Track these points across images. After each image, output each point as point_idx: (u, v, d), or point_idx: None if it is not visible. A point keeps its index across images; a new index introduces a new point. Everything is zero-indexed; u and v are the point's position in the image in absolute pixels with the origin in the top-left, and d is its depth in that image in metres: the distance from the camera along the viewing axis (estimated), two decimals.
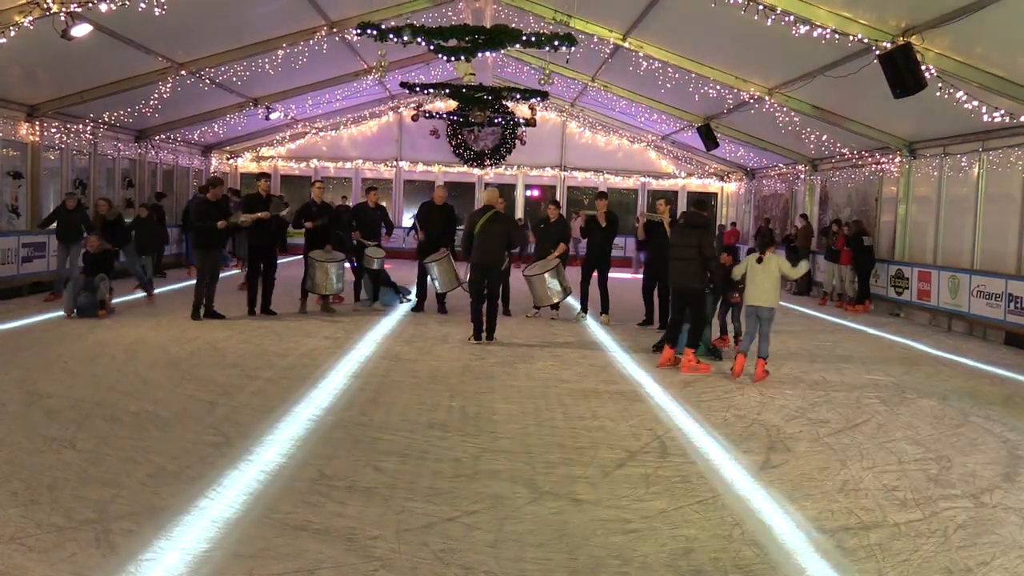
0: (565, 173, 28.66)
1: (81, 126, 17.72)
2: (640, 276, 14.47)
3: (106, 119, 18.29)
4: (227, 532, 4.63)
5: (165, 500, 5.05)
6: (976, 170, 15.16)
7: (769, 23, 12.17)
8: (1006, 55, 11.51)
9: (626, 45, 16.79)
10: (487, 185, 26.11)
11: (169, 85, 17.03)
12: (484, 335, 11.30)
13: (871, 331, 14.32)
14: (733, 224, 28.06)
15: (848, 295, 18.19)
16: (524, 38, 13.38)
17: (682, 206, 28.87)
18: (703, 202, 11.37)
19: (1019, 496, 5.75)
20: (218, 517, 4.83)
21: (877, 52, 11.87)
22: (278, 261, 13.06)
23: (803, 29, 12.17)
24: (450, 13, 17.55)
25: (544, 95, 20.17)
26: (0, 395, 7.44)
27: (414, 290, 14.68)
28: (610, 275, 13.98)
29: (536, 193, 29.51)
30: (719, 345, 11.09)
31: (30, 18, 11.55)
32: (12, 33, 11.58)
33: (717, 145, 21.79)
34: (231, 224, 12.34)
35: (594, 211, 13.76)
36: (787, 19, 12.08)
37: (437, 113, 24.95)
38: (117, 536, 4.50)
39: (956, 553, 4.74)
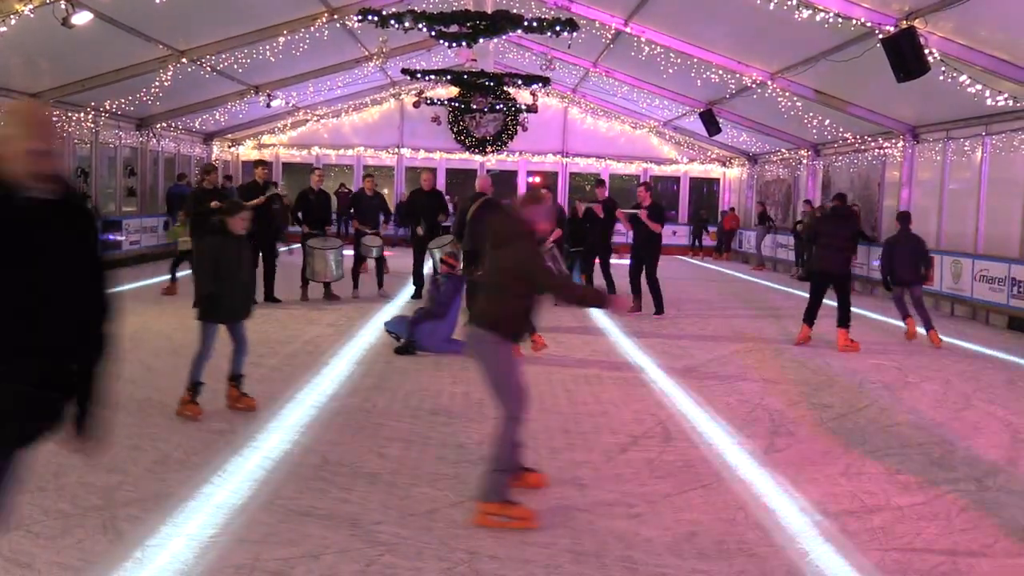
0: (567, 160, 28.60)
1: (82, 115, 17.70)
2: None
3: (107, 107, 18.26)
4: (232, 518, 4.66)
5: (171, 487, 5.08)
6: (979, 154, 15.13)
7: (771, 7, 12.12)
8: (1009, 38, 11.46)
9: (628, 30, 16.72)
10: (488, 171, 26.11)
11: (170, 73, 16.99)
12: None
13: (873, 315, 14.31)
14: (732, 209, 28.04)
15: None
16: (525, 23, 13.34)
17: (684, 192, 28.96)
18: (845, 195, 12.37)
19: (1022, 480, 5.77)
20: (223, 503, 4.85)
21: (880, 36, 11.82)
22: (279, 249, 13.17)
23: (805, 13, 12.12)
24: None
25: (546, 81, 20.13)
26: None
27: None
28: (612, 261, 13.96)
29: (537, 180, 29.47)
30: (536, 348, 9.78)
31: (31, 6, 11.53)
32: (13, 21, 11.57)
33: (719, 131, 21.74)
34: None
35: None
36: (789, 3, 12.02)
37: (439, 100, 24.89)
38: (123, 522, 4.53)
39: (959, 536, 4.76)
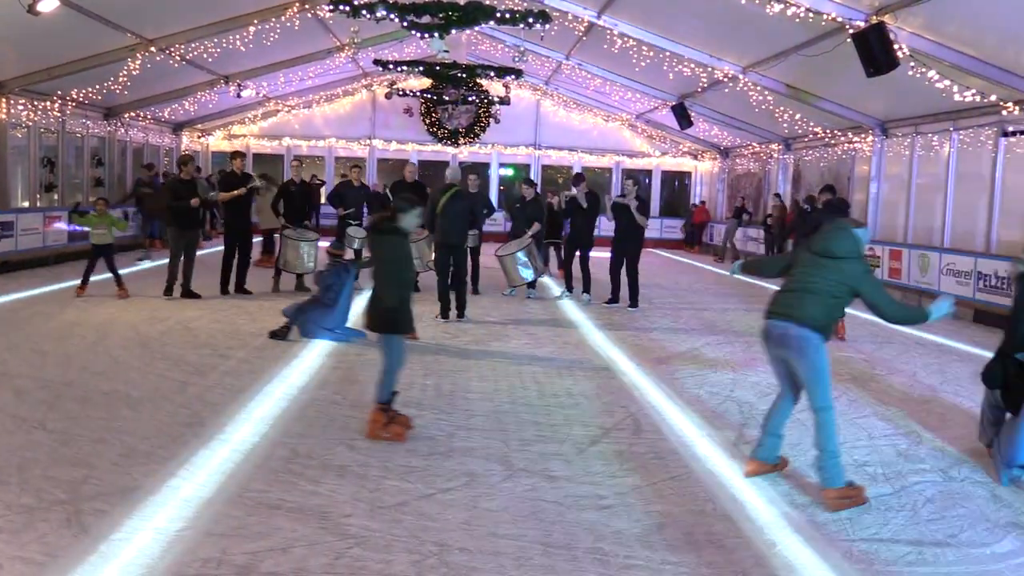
0: (540, 152, 28.58)
1: (49, 103, 17.42)
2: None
3: (74, 96, 17.99)
4: (200, 511, 4.61)
5: (137, 480, 5.02)
6: (947, 149, 15.30)
7: (743, 1, 12.16)
8: (977, 34, 11.59)
9: (600, 23, 16.72)
10: (461, 163, 26.01)
11: (139, 62, 16.77)
12: (454, 313, 11.30)
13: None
14: (702, 202, 28.16)
15: None
16: (498, 15, 13.30)
17: (656, 185, 29.05)
18: (833, 187, 12.00)
19: (986, 470, 5.84)
20: (190, 496, 4.80)
21: (850, 31, 11.91)
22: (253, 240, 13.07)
23: (777, 8, 12.17)
24: None
25: (518, 73, 20.09)
26: None
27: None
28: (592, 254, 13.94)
29: (510, 172, 29.44)
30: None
31: None
32: None
33: (691, 124, 21.82)
34: (204, 202, 12.24)
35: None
36: None
37: (411, 91, 24.78)
38: (88, 516, 4.46)
39: (925, 526, 4.81)
